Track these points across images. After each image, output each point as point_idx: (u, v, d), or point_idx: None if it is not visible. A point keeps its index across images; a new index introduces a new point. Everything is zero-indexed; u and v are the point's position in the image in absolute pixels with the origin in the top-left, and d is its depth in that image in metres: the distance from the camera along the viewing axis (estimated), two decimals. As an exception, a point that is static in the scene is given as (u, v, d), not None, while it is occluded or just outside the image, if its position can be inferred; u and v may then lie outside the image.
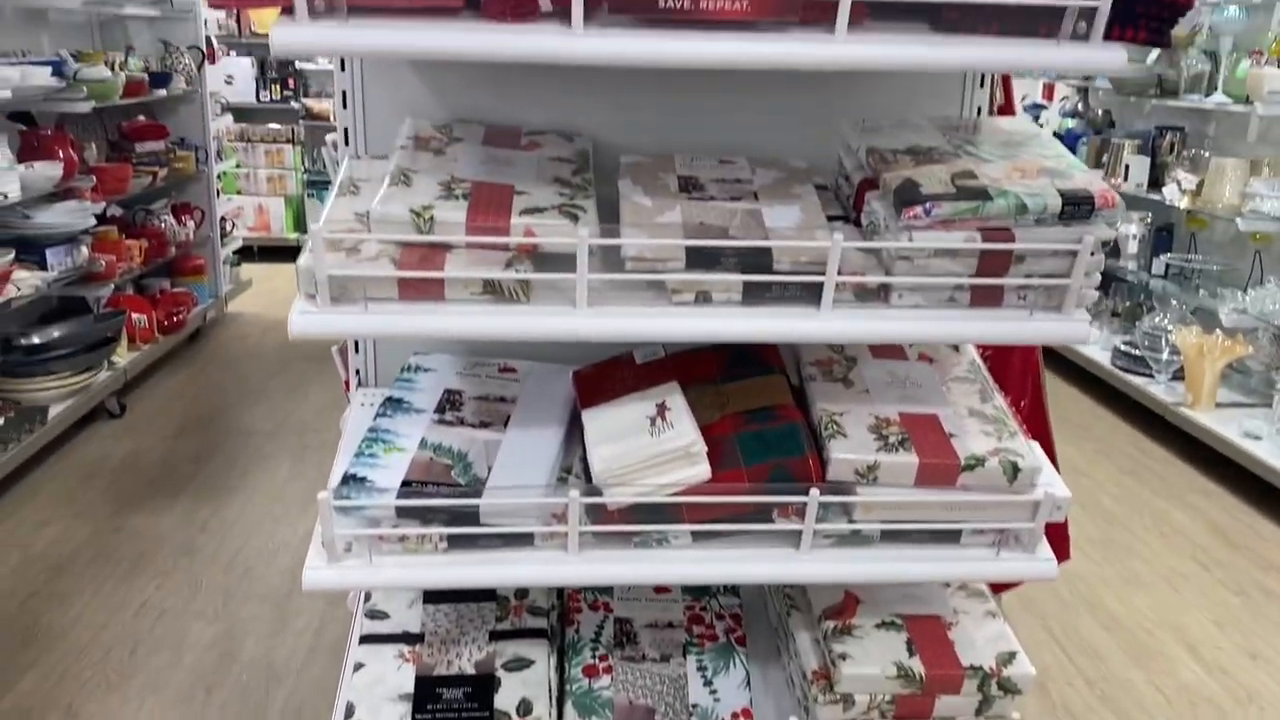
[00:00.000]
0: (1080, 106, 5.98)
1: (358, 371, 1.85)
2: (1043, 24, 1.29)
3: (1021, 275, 1.39)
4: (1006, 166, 1.44)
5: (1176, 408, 4.36)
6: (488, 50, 1.22)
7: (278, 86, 7.60)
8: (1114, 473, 4.19)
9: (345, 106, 1.71)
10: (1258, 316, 4.12)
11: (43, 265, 3.95)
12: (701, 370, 1.65)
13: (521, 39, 1.22)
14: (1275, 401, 4.01)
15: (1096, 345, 5.06)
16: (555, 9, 1.24)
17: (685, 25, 1.23)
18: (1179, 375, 4.48)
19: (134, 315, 4.78)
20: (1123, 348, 4.85)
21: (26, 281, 3.77)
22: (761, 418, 1.54)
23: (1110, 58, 1.29)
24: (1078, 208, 1.35)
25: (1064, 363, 5.30)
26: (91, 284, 4.39)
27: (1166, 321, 4.61)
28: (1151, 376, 4.63)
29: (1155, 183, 4.97)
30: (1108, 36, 1.30)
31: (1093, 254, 1.36)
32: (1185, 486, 4.07)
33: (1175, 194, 4.64)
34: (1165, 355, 4.54)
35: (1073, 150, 5.55)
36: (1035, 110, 6.29)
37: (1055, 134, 6.00)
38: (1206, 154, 4.69)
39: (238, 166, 7.36)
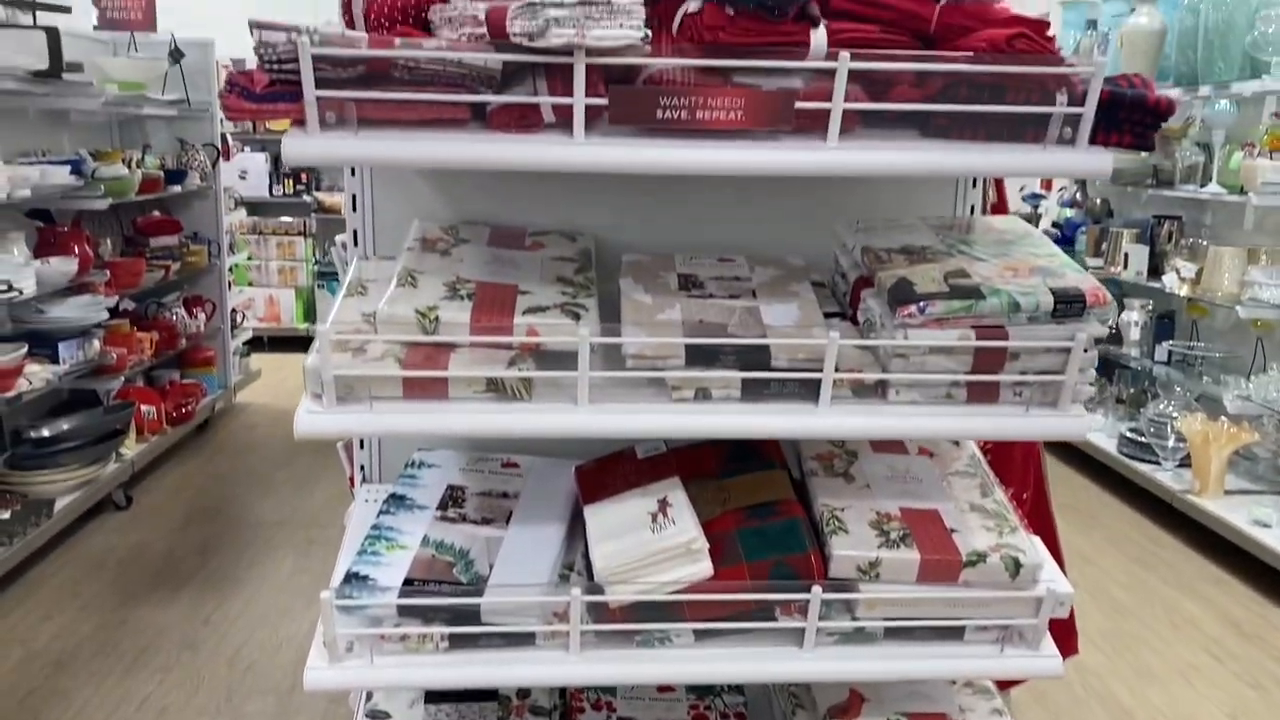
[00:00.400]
0: (1079, 196, 6.07)
1: (362, 467, 1.87)
2: (1030, 129, 1.34)
3: (1017, 372, 1.41)
4: (999, 265, 1.48)
5: (1184, 495, 4.34)
6: (494, 160, 1.27)
7: (290, 181, 7.77)
8: (1123, 561, 4.15)
9: (355, 209, 1.76)
10: (1262, 403, 4.13)
11: (54, 359, 4.00)
12: (703, 465, 1.66)
13: (526, 149, 1.27)
14: (1284, 489, 3.99)
15: (1102, 432, 5.05)
16: (558, 120, 1.29)
17: (683, 134, 1.28)
18: (1186, 462, 4.47)
19: (143, 407, 4.81)
20: (1128, 435, 4.85)
21: (38, 375, 3.81)
22: (763, 513, 1.55)
23: (1096, 162, 1.33)
24: (1070, 306, 1.38)
25: (1070, 450, 5.28)
26: (102, 377, 4.43)
27: (1171, 408, 4.61)
28: (1158, 464, 4.61)
29: (1155, 270, 5.03)
30: (1093, 141, 1.35)
31: (1086, 351, 1.38)
32: (1195, 575, 4.03)
33: (1175, 282, 4.68)
34: (1171, 442, 4.53)
35: (1072, 239, 5.66)
36: (1034, 200, 6.39)
37: (1055, 223, 6.10)
38: (1204, 242, 4.74)
39: (249, 259, 7.47)
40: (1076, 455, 5.24)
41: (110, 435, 4.39)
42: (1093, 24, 5.28)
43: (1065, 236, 5.78)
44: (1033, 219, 6.20)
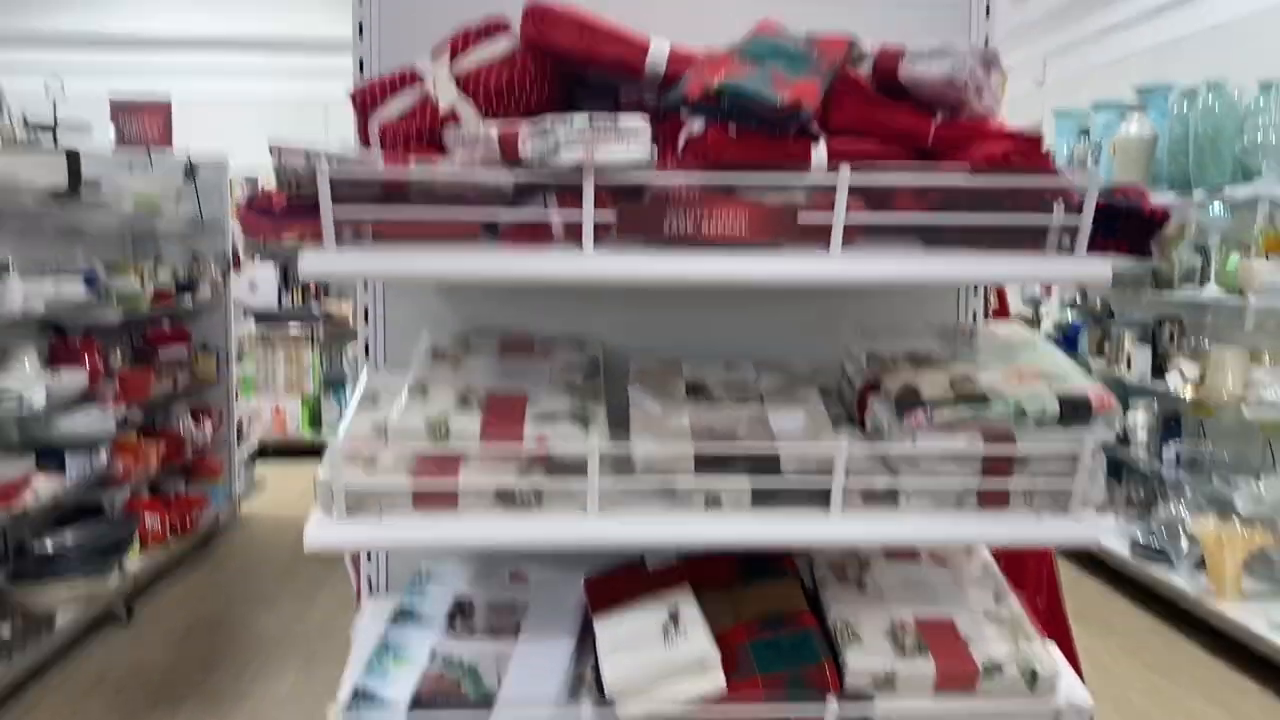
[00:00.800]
0: (1079, 298, 6.13)
1: (369, 579, 1.85)
2: (1029, 239, 1.36)
3: (1026, 478, 1.41)
4: (1004, 372, 1.49)
5: (1201, 600, 4.27)
6: (506, 273, 1.29)
7: (300, 291, 7.88)
8: (1141, 669, 4.06)
9: (366, 321, 1.79)
10: (1274, 505, 4.09)
11: (61, 471, 4.00)
12: (714, 574, 1.65)
13: (538, 262, 1.30)
14: (1302, 592, 3.93)
15: (1114, 535, 4.99)
16: (568, 234, 1.32)
17: (689, 246, 1.31)
18: (1201, 565, 4.40)
19: (147, 519, 4.79)
20: (1140, 538, 4.79)
21: (45, 488, 3.80)
22: (775, 624, 1.53)
23: (1095, 270, 1.35)
24: (1076, 411, 1.39)
25: (1082, 554, 5.22)
26: (108, 488, 4.43)
27: (1182, 510, 4.57)
28: (1172, 567, 4.55)
29: (1159, 370, 5.04)
30: (1091, 248, 1.37)
31: (1094, 456, 1.38)
32: (1218, 683, 3.93)
33: (1179, 383, 4.69)
34: (1184, 545, 4.47)
35: (1074, 340, 5.69)
36: (1035, 302, 6.45)
37: (1057, 324, 6.14)
38: (1206, 343, 4.77)
39: (256, 369, 7.53)
40: (1089, 559, 5.17)
41: (114, 548, 4.36)
42: (1085, 132, 5.41)
43: (1067, 338, 5.82)
44: (1034, 320, 6.25)
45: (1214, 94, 4.46)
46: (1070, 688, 1.48)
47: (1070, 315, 6.13)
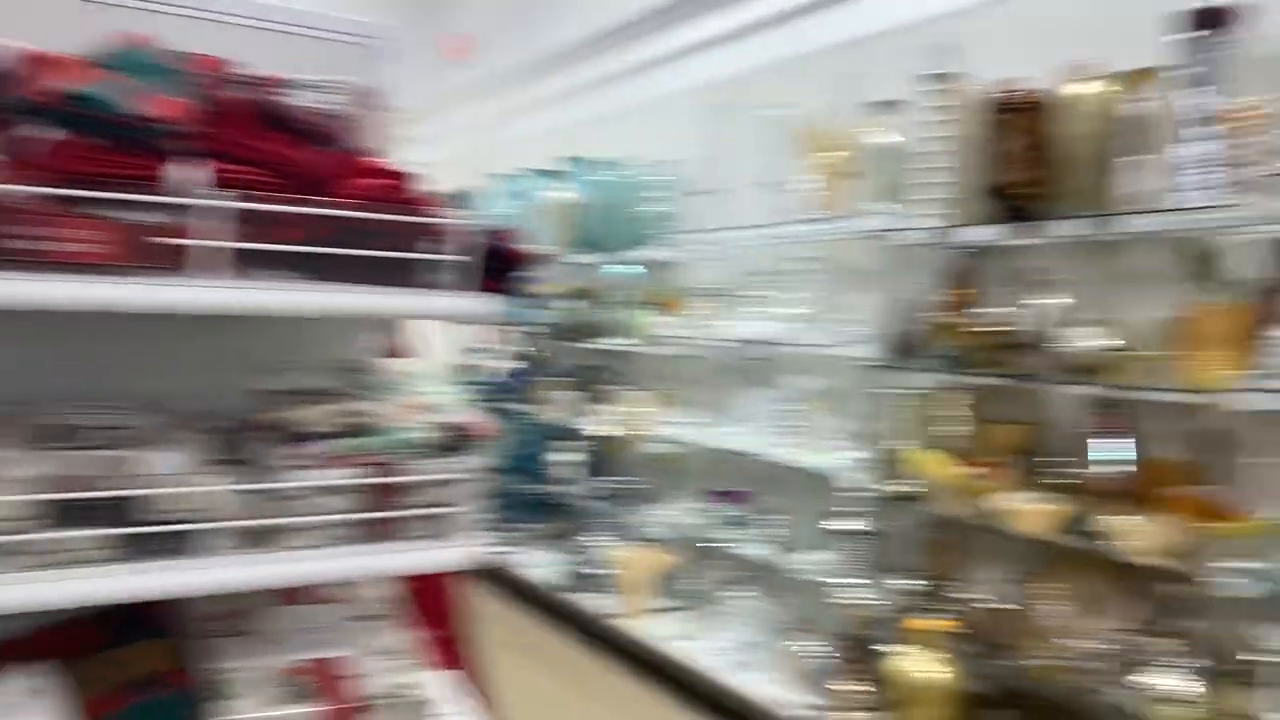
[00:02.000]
0: (531, 350, 6.53)
1: None
2: (419, 275, 1.40)
3: (411, 507, 1.43)
4: (394, 405, 1.52)
5: (618, 619, 4.70)
6: None
7: None
8: (559, 688, 4.37)
9: None
10: (672, 528, 4.66)
11: None
12: (81, 641, 1.46)
13: None
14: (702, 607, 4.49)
15: (543, 567, 5.36)
16: None
17: (30, 268, 1.16)
18: (624, 589, 4.86)
19: None
20: (570, 568, 5.18)
21: None
22: (148, 687, 1.40)
23: (466, 305, 1.42)
24: (455, 439, 1.45)
25: (519, 587, 5.51)
26: None
27: (603, 540, 5.02)
28: (597, 592, 4.97)
29: (588, 414, 5.52)
30: (473, 288, 1.44)
31: (472, 481, 1.45)
32: (627, 695, 4.35)
33: (600, 424, 5.19)
34: (608, 571, 4.92)
35: (513, 389, 6.04)
36: (481, 353, 6.75)
37: (509, 374, 6.48)
38: (624, 389, 5.33)
39: None
40: (522, 592, 5.47)
41: None
42: (517, 196, 5.83)
43: (507, 387, 6.17)
44: (473, 369, 6.55)
45: (614, 169, 5.09)
46: (462, 714, 1.52)
47: (515, 365, 6.50)
